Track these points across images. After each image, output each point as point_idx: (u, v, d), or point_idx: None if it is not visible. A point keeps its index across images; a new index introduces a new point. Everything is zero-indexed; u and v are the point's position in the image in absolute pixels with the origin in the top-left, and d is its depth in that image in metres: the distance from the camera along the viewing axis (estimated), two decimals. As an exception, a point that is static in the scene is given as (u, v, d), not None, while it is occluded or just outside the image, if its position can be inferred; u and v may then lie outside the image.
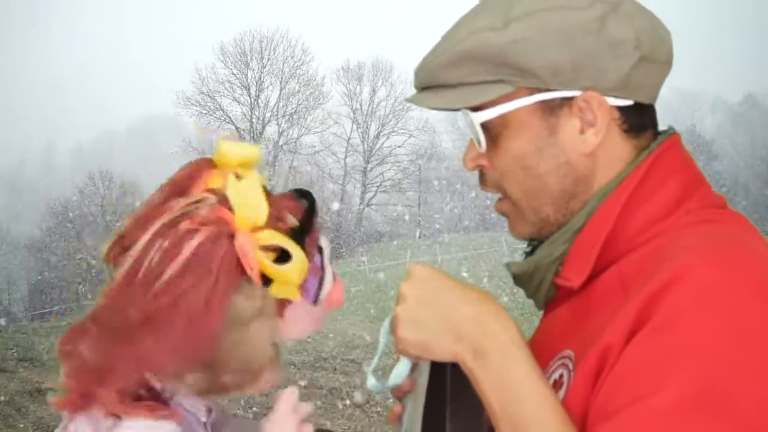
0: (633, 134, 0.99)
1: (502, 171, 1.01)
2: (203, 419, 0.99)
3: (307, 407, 1.01)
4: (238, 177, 0.94)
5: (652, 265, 0.88)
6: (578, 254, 0.97)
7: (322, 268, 0.98)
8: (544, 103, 0.96)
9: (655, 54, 0.97)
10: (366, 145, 45.84)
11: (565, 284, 0.98)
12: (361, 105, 46.16)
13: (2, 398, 9.98)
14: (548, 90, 0.96)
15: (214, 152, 0.97)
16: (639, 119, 0.99)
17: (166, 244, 0.89)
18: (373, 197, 45.64)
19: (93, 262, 34.04)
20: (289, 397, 0.99)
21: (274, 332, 0.94)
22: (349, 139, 46.28)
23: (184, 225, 0.90)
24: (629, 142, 0.99)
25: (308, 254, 0.96)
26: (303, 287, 0.96)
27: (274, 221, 0.94)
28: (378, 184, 45.77)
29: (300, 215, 0.97)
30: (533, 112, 0.97)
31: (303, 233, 0.96)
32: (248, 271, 0.90)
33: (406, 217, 45.80)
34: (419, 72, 1.04)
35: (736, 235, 0.91)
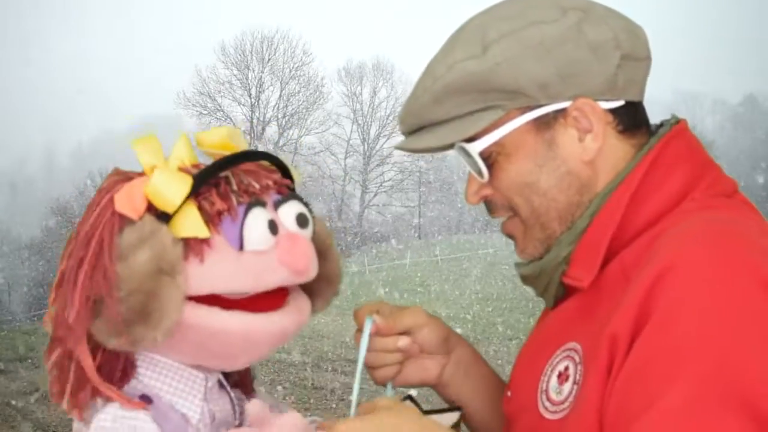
0: (629, 134, 0.99)
1: (508, 195, 1.00)
2: (194, 421, 0.97)
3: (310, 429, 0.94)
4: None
5: (649, 252, 0.88)
6: (585, 253, 0.97)
7: (246, 214, 0.94)
8: (537, 120, 0.96)
9: (635, 51, 0.97)
10: (366, 146, 45.84)
11: (573, 284, 0.98)
12: (361, 106, 46.20)
13: (2, 398, 9.98)
14: (539, 106, 0.96)
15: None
16: (632, 118, 0.99)
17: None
18: (373, 198, 45.62)
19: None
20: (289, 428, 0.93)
21: (163, 263, 0.89)
22: (349, 139, 46.29)
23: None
24: (626, 142, 0.99)
25: (225, 198, 0.93)
26: (221, 231, 0.92)
27: (187, 168, 0.95)
28: (378, 185, 45.77)
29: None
30: (528, 131, 0.97)
31: (206, 172, 0.94)
32: (116, 206, 0.92)
33: (406, 218, 45.79)
34: (404, 117, 1.04)
35: (732, 220, 0.91)
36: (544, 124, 0.97)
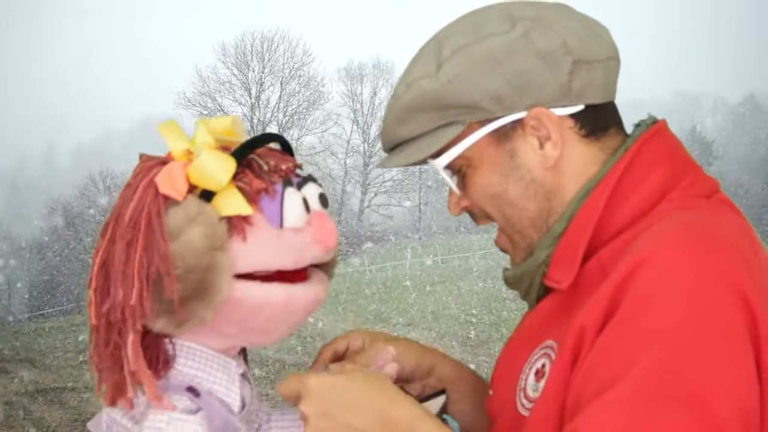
0: (594, 137, 0.99)
1: (481, 205, 1.03)
2: (235, 409, 1.00)
3: (391, 367, 1.05)
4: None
5: (627, 249, 0.89)
6: (564, 255, 0.97)
7: (283, 193, 0.97)
8: (496, 132, 0.98)
9: (591, 54, 0.97)
10: (366, 146, 45.83)
11: (553, 285, 0.99)
12: (361, 105, 46.18)
13: (2, 398, 9.98)
14: (496, 118, 0.97)
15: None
16: (596, 121, 0.99)
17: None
18: (373, 198, 45.62)
19: (93, 262, 33.98)
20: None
21: (216, 240, 0.92)
22: (349, 139, 46.30)
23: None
24: (592, 145, 0.99)
25: (261, 178, 0.96)
26: (260, 208, 0.95)
27: (222, 149, 0.97)
28: (378, 185, 45.77)
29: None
30: (489, 143, 0.99)
31: (240, 152, 0.97)
32: (160, 188, 0.93)
33: (406, 218, 45.81)
34: (381, 135, 1.07)
35: (712, 220, 0.90)
36: (504, 135, 0.98)
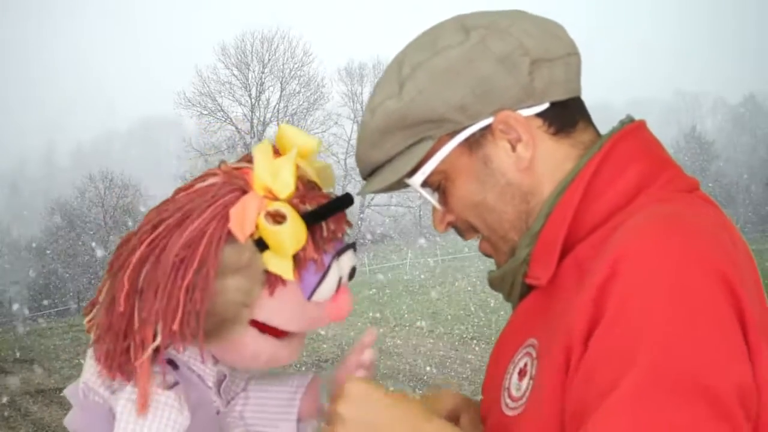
0: (564, 134, 1.00)
1: (464, 217, 1.03)
2: (210, 384, 1.03)
3: (369, 354, 1.08)
4: (276, 155, 1.00)
5: (605, 244, 0.89)
6: (542, 253, 0.98)
7: (328, 268, 0.98)
8: (466, 141, 0.99)
9: (549, 52, 0.98)
10: (366, 146, 45.79)
11: (533, 283, 1.00)
12: (362, 106, 46.17)
13: (2, 399, 9.98)
14: (464, 128, 0.98)
15: (276, 137, 1.03)
16: (563, 117, 1.00)
17: (186, 184, 0.99)
18: (373, 198, 45.63)
19: (94, 262, 34.05)
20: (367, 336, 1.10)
21: (249, 297, 0.94)
22: (349, 140, 46.31)
23: (208, 172, 1.00)
24: (563, 142, 1.00)
25: (318, 247, 0.97)
26: (300, 275, 0.97)
27: (295, 200, 0.97)
28: (378, 184, 45.70)
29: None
30: (461, 153, 1.00)
31: (314, 217, 0.97)
32: (230, 223, 0.93)
33: (407, 218, 45.83)
34: (358, 163, 1.08)
35: (685, 212, 0.91)
36: (475, 143, 0.99)
